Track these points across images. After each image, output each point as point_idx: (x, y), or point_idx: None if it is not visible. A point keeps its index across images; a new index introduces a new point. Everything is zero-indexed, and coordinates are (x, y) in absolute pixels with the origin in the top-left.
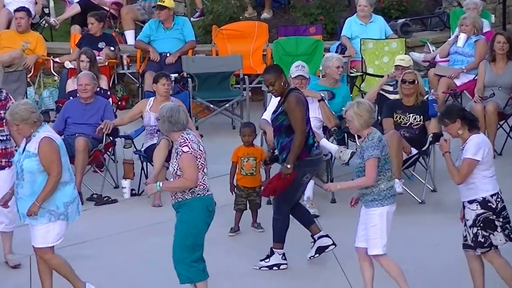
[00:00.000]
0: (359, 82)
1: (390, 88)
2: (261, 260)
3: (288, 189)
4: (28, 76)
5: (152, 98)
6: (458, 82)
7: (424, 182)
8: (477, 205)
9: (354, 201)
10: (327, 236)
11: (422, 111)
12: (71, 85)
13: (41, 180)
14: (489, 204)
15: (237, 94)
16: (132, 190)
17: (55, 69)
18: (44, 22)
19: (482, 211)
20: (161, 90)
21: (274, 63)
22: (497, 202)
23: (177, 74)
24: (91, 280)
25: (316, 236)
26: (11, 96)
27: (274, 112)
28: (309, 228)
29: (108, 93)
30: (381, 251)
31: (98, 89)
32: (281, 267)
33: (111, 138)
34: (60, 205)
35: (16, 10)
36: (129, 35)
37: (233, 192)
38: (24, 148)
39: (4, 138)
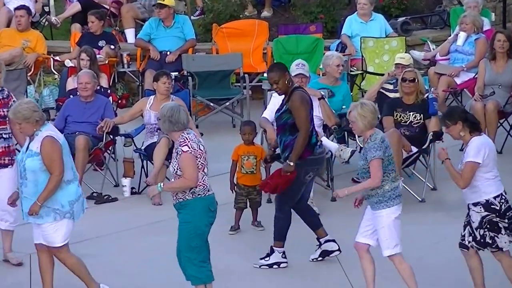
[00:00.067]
0: (360, 80)
1: (390, 87)
2: (261, 259)
3: (290, 187)
4: (28, 74)
5: (152, 97)
6: (458, 81)
7: (424, 180)
8: (480, 207)
9: (358, 202)
10: (333, 241)
11: (422, 110)
12: (71, 83)
13: (44, 179)
14: (492, 206)
15: (237, 93)
16: (132, 188)
17: (55, 68)
18: (44, 20)
19: (486, 213)
20: (162, 89)
21: (275, 61)
22: (501, 203)
23: (177, 73)
24: None
25: (322, 240)
26: (12, 94)
27: (278, 111)
28: (316, 231)
29: (108, 91)
30: (393, 251)
31: (98, 87)
32: (281, 265)
33: (111, 136)
34: (65, 203)
35: (16, 8)
36: (129, 34)
37: (233, 191)
38: (27, 147)
39: (7, 136)
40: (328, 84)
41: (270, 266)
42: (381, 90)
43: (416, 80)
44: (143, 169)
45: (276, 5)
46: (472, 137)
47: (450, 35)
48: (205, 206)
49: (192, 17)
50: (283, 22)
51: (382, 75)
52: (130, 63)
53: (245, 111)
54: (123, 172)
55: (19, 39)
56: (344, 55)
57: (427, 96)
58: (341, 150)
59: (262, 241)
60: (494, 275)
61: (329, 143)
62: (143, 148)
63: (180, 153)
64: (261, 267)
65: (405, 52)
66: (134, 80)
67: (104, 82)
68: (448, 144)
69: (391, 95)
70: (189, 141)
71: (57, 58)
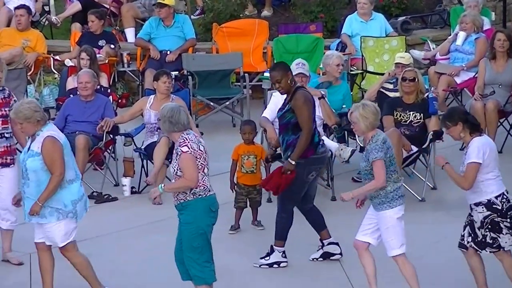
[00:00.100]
0: (360, 80)
1: (390, 86)
2: (261, 258)
3: (293, 187)
4: (28, 74)
5: (152, 96)
6: (458, 80)
7: (424, 179)
8: (482, 207)
9: (360, 203)
10: (336, 244)
11: (423, 109)
12: (71, 83)
13: (45, 179)
14: (494, 206)
15: (237, 92)
16: (132, 188)
17: (55, 67)
18: (45, 20)
19: (488, 213)
20: (162, 88)
21: (275, 61)
22: (503, 203)
23: (177, 72)
24: None
25: (325, 242)
26: (13, 94)
27: (280, 110)
28: (320, 233)
29: (109, 91)
30: (399, 251)
31: (98, 87)
32: (281, 265)
33: (111, 136)
34: (68, 203)
35: (17, 8)
36: (130, 33)
37: (234, 190)
38: (29, 147)
39: (9, 135)
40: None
41: (270, 265)
42: (381, 90)
43: (416, 80)
44: (143, 169)
45: (276, 5)
46: (472, 137)
47: (450, 35)
48: (206, 207)
49: (192, 17)
50: (283, 21)
51: (382, 74)
52: (130, 62)
53: (245, 110)
54: (123, 171)
55: (19, 38)
56: (344, 54)
57: (427, 96)
58: (341, 149)
59: (262, 240)
60: (494, 275)
61: (329, 143)
62: (143, 147)
63: (179, 153)
64: (261, 266)
65: (405, 52)
66: (134, 79)
67: (104, 81)
68: (448, 143)
69: (391, 94)
70: (188, 142)
71: (57, 57)
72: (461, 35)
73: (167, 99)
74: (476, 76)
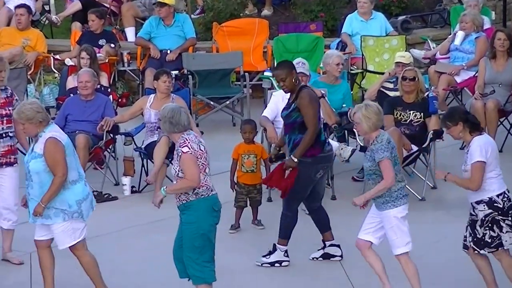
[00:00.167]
0: (360, 79)
1: (391, 85)
2: (263, 256)
3: (299, 185)
4: (29, 73)
5: (152, 95)
6: (458, 79)
7: (424, 179)
8: (484, 205)
9: (364, 203)
10: (338, 246)
11: (423, 108)
12: (71, 82)
13: (48, 180)
14: (495, 204)
15: (238, 91)
16: (132, 187)
17: (55, 66)
18: (45, 19)
19: (489, 211)
20: (162, 87)
21: (275, 60)
22: (504, 201)
23: (177, 71)
24: None
25: (327, 243)
26: (15, 93)
27: (285, 110)
28: (324, 234)
29: (109, 90)
30: (405, 249)
31: (98, 86)
32: (283, 264)
33: (111, 135)
34: (73, 203)
35: (17, 7)
36: (130, 32)
37: (234, 189)
38: (32, 148)
39: (13, 134)
40: (328, 83)
41: (272, 264)
42: (381, 89)
43: (416, 79)
44: (143, 168)
45: (276, 4)
46: (473, 137)
47: (450, 34)
48: (208, 206)
49: (192, 16)
50: (284, 20)
51: (382, 73)
52: (131, 61)
53: (245, 109)
54: (123, 170)
55: (19, 37)
56: (344, 53)
57: (427, 95)
58: (342, 148)
59: (262, 239)
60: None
61: (330, 142)
62: (143, 146)
63: (180, 154)
64: (263, 265)
65: (405, 51)
66: (135, 78)
67: (104, 80)
68: (448, 143)
69: (391, 93)
70: (189, 142)
71: (57, 56)
72: (460, 34)
73: (167, 99)
74: (476, 75)
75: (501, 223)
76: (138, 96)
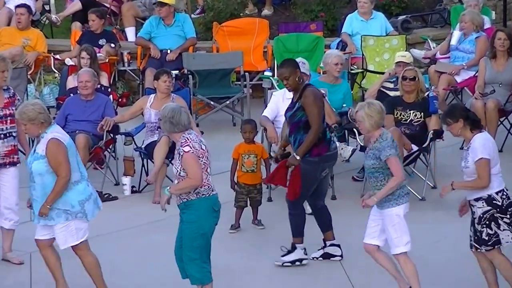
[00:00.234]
0: (360, 79)
1: (391, 85)
2: (283, 256)
3: (304, 184)
4: (29, 73)
5: (152, 95)
6: (458, 79)
7: (424, 179)
8: (482, 202)
9: (365, 203)
10: (338, 246)
11: (423, 108)
12: (71, 82)
13: (51, 181)
14: (494, 201)
15: (238, 91)
16: (132, 187)
17: (55, 66)
18: (45, 19)
19: (488, 208)
20: (162, 87)
21: (275, 60)
22: (503, 199)
23: (177, 71)
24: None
25: (328, 243)
26: (16, 93)
27: (289, 109)
28: (325, 233)
29: (109, 90)
30: (405, 248)
31: (98, 86)
32: (303, 262)
33: (111, 135)
34: (75, 204)
35: (17, 6)
36: (130, 32)
37: (234, 189)
38: (35, 149)
39: (16, 134)
40: (328, 83)
41: (293, 263)
42: (382, 89)
43: (417, 79)
44: (143, 168)
45: (276, 4)
46: (474, 134)
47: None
48: (209, 206)
49: (192, 16)
50: (284, 20)
51: (383, 73)
52: (131, 61)
53: (245, 109)
54: (123, 170)
55: (19, 37)
56: (344, 53)
57: (428, 95)
58: (342, 148)
59: (263, 239)
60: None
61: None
62: (143, 146)
63: (182, 153)
64: (284, 264)
65: (406, 51)
66: (135, 78)
67: (104, 80)
68: (448, 143)
69: (392, 93)
70: (190, 141)
71: (57, 56)
72: (456, 34)
73: (168, 98)
74: (476, 75)
75: (499, 221)
76: (138, 96)
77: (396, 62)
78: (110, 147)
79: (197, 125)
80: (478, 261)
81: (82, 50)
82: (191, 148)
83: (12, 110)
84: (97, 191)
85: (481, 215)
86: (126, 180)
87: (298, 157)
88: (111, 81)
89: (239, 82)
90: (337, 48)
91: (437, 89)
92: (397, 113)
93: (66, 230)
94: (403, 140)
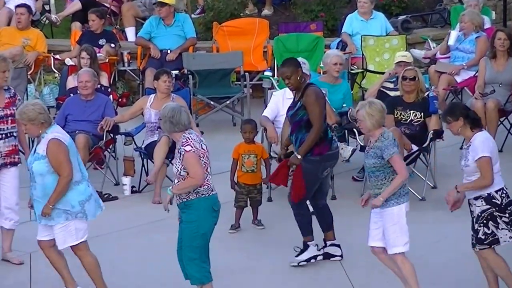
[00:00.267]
0: (360, 79)
1: (391, 85)
2: (297, 256)
3: (307, 184)
4: (29, 73)
5: (152, 95)
6: (458, 79)
7: (424, 179)
8: (482, 201)
9: (365, 202)
10: (338, 246)
11: (423, 108)
12: (71, 82)
13: (51, 181)
14: (493, 200)
15: (238, 91)
16: (132, 187)
17: (55, 66)
18: (45, 19)
19: (487, 207)
20: (162, 87)
21: (275, 60)
22: (502, 197)
23: (177, 71)
24: None
25: (328, 243)
26: (17, 93)
27: (290, 108)
28: (326, 233)
29: (109, 90)
30: (403, 248)
31: (98, 86)
32: (318, 258)
33: (111, 135)
34: (75, 204)
35: (17, 6)
36: (130, 32)
37: (234, 189)
38: (35, 150)
39: (17, 134)
40: (328, 83)
41: (308, 260)
42: (382, 89)
43: (417, 79)
44: (143, 168)
45: (276, 4)
46: (474, 133)
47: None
48: (209, 206)
49: (192, 16)
50: (284, 20)
51: (383, 73)
52: (131, 61)
53: (245, 109)
54: (123, 170)
55: (19, 37)
56: (344, 53)
57: (428, 95)
58: (342, 148)
59: (263, 239)
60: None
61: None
62: (143, 146)
63: (183, 153)
64: (300, 263)
65: (406, 51)
66: (135, 78)
67: (104, 80)
68: (448, 143)
69: (392, 93)
70: (191, 141)
71: (57, 56)
72: (453, 34)
73: (168, 98)
74: (476, 75)
75: (498, 220)
76: (138, 96)
77: (397, 62)
78: (110, 147)
79: (197, 125)
80: (479, 260)
81: (82, 50)
82: (192, 147)
83: (13, 110)
84: (97, 191)
85: (479, 214)
86: (126, 180)
87: (299, 156)
88: (111, 81)
89: (239, 82)
90: (337, 48)
91: (437, 89)
92: (397, 113)
93: (66, 230)
94: (403, 140)
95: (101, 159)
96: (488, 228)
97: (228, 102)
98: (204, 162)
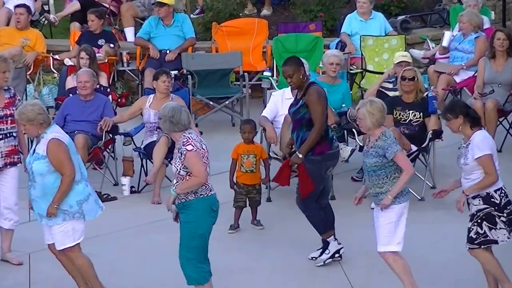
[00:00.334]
0: (359, 79)
1: (390, 85)
2: (320, 255)
3: (313, 181)
4: (28, 73)
5: (152, 95)
6: (457, 79)
7: (423, 179)
8: (479, 200)
9: (358, 200)
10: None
11: (422, 108)
12: (70, 82)
13: (51, 181)
14: (492, 199)
15: (237, 91)
16: (131, 187)
17: (54, 66)
18: (43, 19)
19: (484, 206)
20: (161, 87)
21: (274, 60)
22: (501, 197)
23: (177, 71)
24: None
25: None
26: (17, 93)
27: (292, 106)
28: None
29: (108, 90)
30: (395, 248)
31: (97, 86)
32: (341, 251)
33: (110, 135)
34: (73, 204)
35: (16, 6)
36: (129, 32)
37: (233, 189)
38: (34, 150)
39: (16, 135)
40: (327, 83)
41: (332, 256)
42: (381, 89)
43: (416, 79)
44: (142, 168)
45: (275, 4)
46: (474, 131)
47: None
48: (207, 206)
49: (191, 16)
50: (283, 20)
51: (382, 73)
52: (130, 61)
53: (244, 109)
54: (122, 171)
55: (18, 37)
56: (343, 53)
57: (427, 95)
58: (341, 148)
59: (262, 239)
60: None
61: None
62: (142, 147)
63: (184, 152)
64: (326, 262)
65: (405, 51)
66: (134, 78)
67: (103, 80)
68: (447, 143)
69: (391, 93)
70: (192, 140)
71: (56, 56)
72: (447, 35)
73: (167, 99)
74: (475, 75)
75: (496, 219)
76: (137, 96)
77: (398, 62)
78: (109, 147)
79: (196, 125)
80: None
81: (81, 50)
82: (193, 146)
83: (13, 110)
84: (96, 191)
85: (475, 213)
86: (125, 180)
87: (300, 156)
88: (110, 81)
89: (238, 82)
90: (336, 48)
91: (436, 89)
92: (396, 113)
93: (63, 230)
94: (402, 140)
95: (100, 159)
96: (481, 228)
97: (227, 102)
98: (204, 162)
